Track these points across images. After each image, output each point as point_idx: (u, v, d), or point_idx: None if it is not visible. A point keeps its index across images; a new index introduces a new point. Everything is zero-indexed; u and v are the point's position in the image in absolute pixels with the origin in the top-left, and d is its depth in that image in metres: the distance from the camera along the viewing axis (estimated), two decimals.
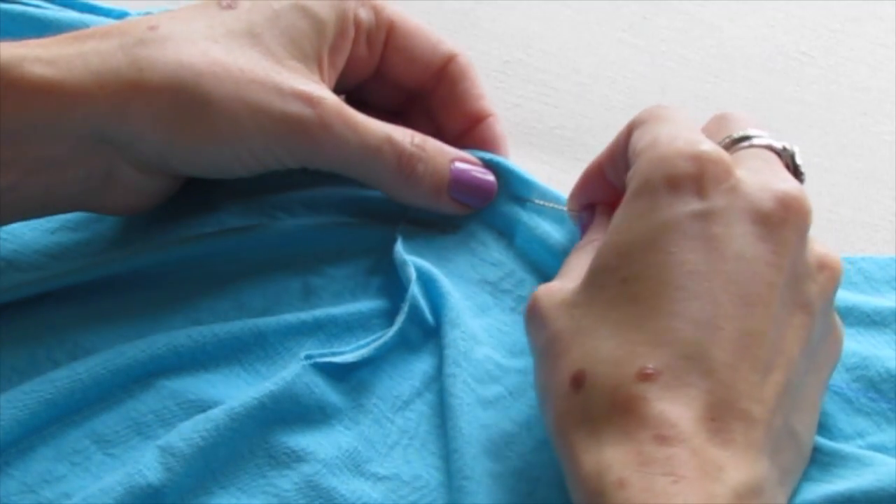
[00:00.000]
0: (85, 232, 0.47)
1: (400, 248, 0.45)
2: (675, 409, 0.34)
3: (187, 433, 0.38)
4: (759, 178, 0.37)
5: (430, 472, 0.40)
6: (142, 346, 0.41)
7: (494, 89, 0.58)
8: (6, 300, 0.43)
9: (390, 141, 0.44)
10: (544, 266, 0.46)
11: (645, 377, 0.34)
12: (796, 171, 0.40)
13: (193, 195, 0.47)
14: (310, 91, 0.43)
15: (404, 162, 0.45)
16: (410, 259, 0.45)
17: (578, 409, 0.35)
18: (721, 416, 0.34)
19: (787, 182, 0.38)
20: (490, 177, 0.47)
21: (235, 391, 0.41)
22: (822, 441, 0.40)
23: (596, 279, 0.37)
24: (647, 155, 0.38)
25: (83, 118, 0.41)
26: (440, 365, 0.43)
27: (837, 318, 0.40)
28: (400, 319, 0.43)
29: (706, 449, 0.33)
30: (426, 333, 0.44)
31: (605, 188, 0.44)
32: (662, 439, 0.33)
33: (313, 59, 0.45)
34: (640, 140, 0.39)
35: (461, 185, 0.46)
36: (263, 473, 0.39)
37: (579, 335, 0.37)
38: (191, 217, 0.47)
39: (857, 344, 0.43)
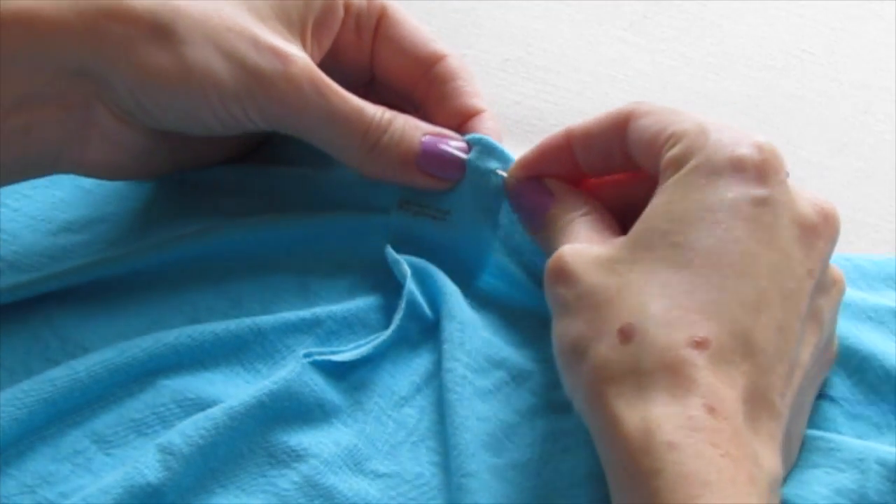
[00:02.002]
0: (85, 234, 0.47)
1: (390, 248, 0.45)
2: (722, 382, 0.34)
3: (187, 432, 0.38)
4: (798, 189, 0.39)
5: (431, 470, 0.40)
6: (141, 345, 0.41)
7: (495, 87, 0.58)
8: (6, 301, 0.43)
9: (360, 111, 0.44)
10: (527, 246, 0.46)
11: (697, 344, 0.35)
12: None
13: (194, 195, 0.48)
14: (284, 48, 0.43)
15: (371, 132, 0.44)
16: (403, 257, 0.44)
17: (627, 361, 0.35)
18: (755, 401, 0.35)
19: (818, 195, 0.39)
20: (461, 149, 0.46)
21: (235, 390, 0.41)
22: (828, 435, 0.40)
23: (642, 240, 0.38)
24: (704, 137, 0.38)
25: (61, 47, 0.41)
26: (439, 360, 0.43)
27: (835, 338, 0.41)
28: (398, 317, 0.43)
29: (744, 431, 0.34)
30: (425, 329, 0.44)
31: (567, 165, 0.44)
32: (712, 410, 0.34)
33: (297, 27, 0.45)
34: (671, 125, 0.39)
35: (429, 157, 0.45)
36: (263, 472, 0.39)
37: (626, 289, 0.37)
38: (190, 218, 0.47)
39: (856, 341, 0.43)
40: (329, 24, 0.46)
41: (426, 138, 0.45)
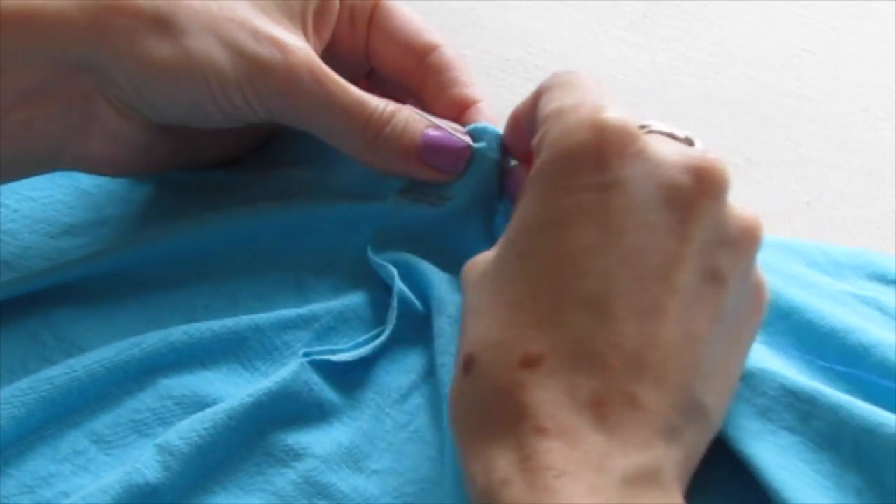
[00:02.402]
0: (86, 237, 0.47)
1: (371, 252, 0.45)
2: (556, 396, 0.33)
3: (186, 432, 0.38)
4: (670, 147, 0.36)
5: (428, 466, 0.40)
6: (139, 344, 0.41)
7: (495, 87, 0.58)
8: (2, 297, 0.43)
9: (361, 103, 0.44)
10: None
11: (527, 363, 0.33)
12: None
13: (194, 197, 0.48)
14: (284, 38, 0.43)
15: (372, 124, 0.44)
16: (387, 255, 0.44)
17: (468, 396, 0.34)
18: (609, 400, 0.33)
19: (700, 151, 0.36)
20: (464, 139, 0.45)
21: (234, 388, 0.41)
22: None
23: (500, 253, 0.36)
24: (550, 125, 0.36)
25: (62, 40, 0.41)
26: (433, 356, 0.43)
27: (762, 281, 0.38)
28: (392, 318, 0.43)
29: (589, 438, 0.32)
30: (419, 324, 0.44)
31: (523, 143, 0.42)
32: (543, 431, 0.32)
33: (298, 19, 0.45)
34: (546, 106, 0.38)
35: (432, 149, 0.45)
36: (262, 471, 0.39)
37: (475, 315, 0.36)
38: (190, 220, 0.47)
39: (814, 315, 0.43)
40: (327, 16, 0.47)
41: (429, 130, 0.45)
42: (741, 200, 0.53)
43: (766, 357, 0.43)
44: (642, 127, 0.37)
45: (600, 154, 0.35)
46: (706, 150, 0.37)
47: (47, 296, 0.43)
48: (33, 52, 0.41)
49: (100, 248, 0.45)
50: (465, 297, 0.37)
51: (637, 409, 0.33)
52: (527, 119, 0.41)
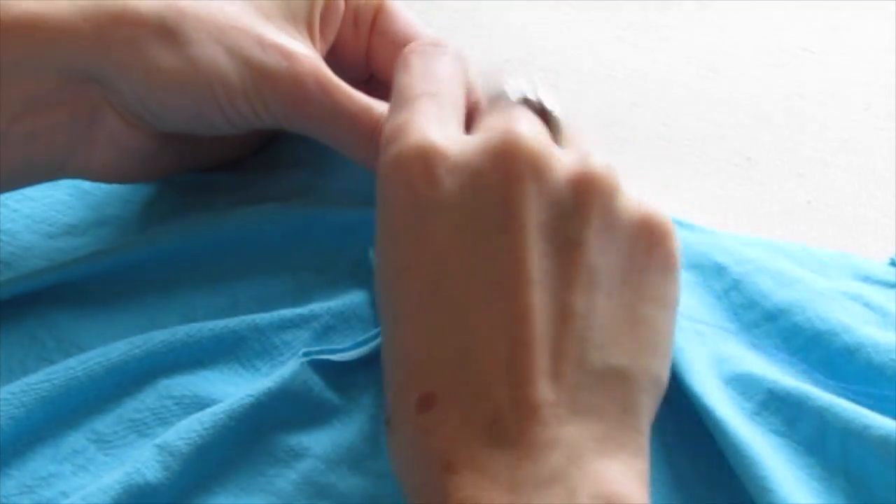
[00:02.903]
0: (86, 237, 0.47)
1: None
2: (456, 430, 0.32)
3: (185, 432, 0.38)
4: (480, 136, 0.35)
5: None
6: (138, 343, 0.41)
7: None
8: (0, 297, 0.43)
9: (368, 110, 0.44)
10: None
11: (424, 404, 0.33)
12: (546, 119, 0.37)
13: (195, 198, 0.48)
14: (289, 46, 0.43)
15: (379, 132, 0.43)
16: None
17: (394, 451, 0.34)
18: (502, 414, 0.32)
19: (506, 124, 0.35)
20: None
21: (233, 388, 0.41)
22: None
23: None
24: (389, 123, 0.36)
25: (67, 51, 0.41)
26: None
27: (647, 216, 0.36)
28: None
29: (495, 459, 0.32)
30: None
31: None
32: (450, 468, 0.32)
33: (303, 23, 0.45)
34: (391, 113, 0.38)
35: None
36: (262, 472, 0.39)
37: (390, 353, 0.36)
38: (190, 220, 0.47)
39: (802, 315, 0.43)
40: (332, 18, 0.46)
41: None
42: (741, 200, 0.53)
43: (752, 361, 0.43)
44: (499, 95, 0.37)
45: (424, 164, 0.34)
46: (512, 121, 0.35)
47: (47, 296, 0.43)
48: (37, 61, 0.41)
49: (100, 249, 0.45)
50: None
51: (533, 410, 0.32)
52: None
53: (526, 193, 0.33)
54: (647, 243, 0.36)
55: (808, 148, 0.56)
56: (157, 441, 0.38)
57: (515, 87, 0.37)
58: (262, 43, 0.43)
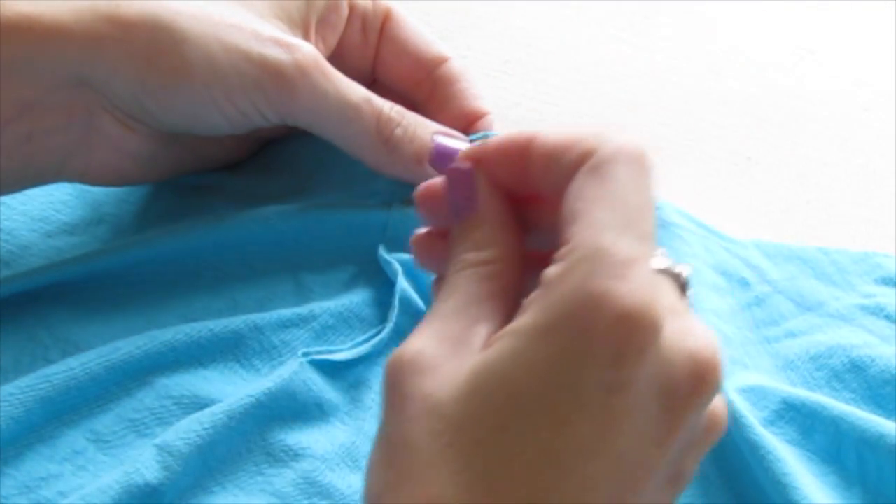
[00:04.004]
0: (83, 236, 0.47)
1: (382, 250, 0.45)
2: None
3: (185, 432, 0.38)
4: (677, 335, 0.31)
5: None
6: (137, 343, 0.41)
7: (495, 88, 0.58)
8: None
9: (369, 100, 0.44)
10: None
11: None
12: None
13: (192, 197, 0.48)
14: (288, 39, 0.43)
15: (383, 123, 0.44)
16: (395, 256, 0.44)
17: None
18: None
19: (702, 338, 0.31)
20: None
21: (232, 387, 0.41)
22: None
23: (473, 405, 0.30)
24: (573, 287, 0.30)
25: (60, 54, 0.41)
26: None
27: (717, 411, 0.34)
28: (393, 315, 0.43)
29: None
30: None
31: (517, 175, 0.34)
32: None
33: (299, 24, 0.45)
34: (584, 212, 0.31)
35: (443, 155, 0.45)
36: (261, 471, 0.39)
37: (432, 468, 0.30)
38: (188, 220, 0.47)
39: (822, 335, 0.44)
40: (333, 22, 0.46)
41: (438, 137, 0.45)
42: (741, 200, 0.53)
43: (768, 370, 0.43)
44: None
45: (620, 348, 0.30)
46: (706, 333, 0.32)
47: (45, 295, 0.43)
48: (31, 64, 0.41)
49: (98, 248, 0.45)
50: (406, 424, 0.31)
51: None
52: (544, 161, 0.33)
53: (696, 412, 0.31)
54: (708, 438, 0.34)
55: (807, 148, 0.56)
56: (157, 441, 0.38)
57: (659, 258, 0.33)
58: (259, 37, 0.43)
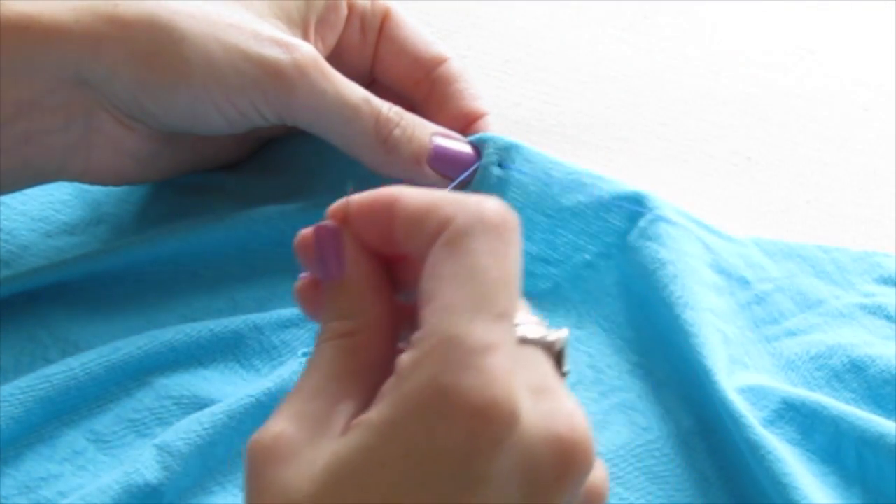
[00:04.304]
0: (82, 236, 0.47)
1: None
2: None
3: (185, 432, 0.38)
4: (540, 419, 0.29)
5: None
6: (137, 343, 0.41)
7: (495, 88, 0.58)
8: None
9: (368, 101, 0.44)
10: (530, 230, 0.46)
11: None
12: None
13: (191, 197, 0.48)
14: (287, 39, 0.43)
15: (381, 123, 0.44)
16: None
17: None
18: None
19: (568, 417, 0.30)
20: (468, 148, 0.46)
21: (232, 387, 0.41)
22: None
23: (327, 502, 0.29)
24: (422, 382, 0.28)
25: (59, 54, 0.41)
26: None
27: (596, 483, 0.32)
28: None
29: None
30: None
31: (386, 232, 0.32)
32: None
33: (298, 24, 0.45)
34: (434, 306, 0.29)
35: (441, 157, 0.45)
36: None
37: None
38: (187, 220, 0.47)
39: (822, 334, 0.44)
40: (332, 22, 0.46)
41: (437, 137, 0.45)
42: (741, 200, 0.53)
43: (767, 369, 0.43)
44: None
45: (471, 445, 0.28)
46: (574, 411, 0.30)
47: (45, 295, 0.43)
48: (29, 63, 0.41)
49: (98, 248, 0.45)
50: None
51: None
52: (406, 227, 0.32)
53: (574, 486, 0.30)
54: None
55: (807, 148, 0.56)
56: (157, 441, 0.38)
57: (527, 325, 0.31)
58: (258, 37, 0.43)
